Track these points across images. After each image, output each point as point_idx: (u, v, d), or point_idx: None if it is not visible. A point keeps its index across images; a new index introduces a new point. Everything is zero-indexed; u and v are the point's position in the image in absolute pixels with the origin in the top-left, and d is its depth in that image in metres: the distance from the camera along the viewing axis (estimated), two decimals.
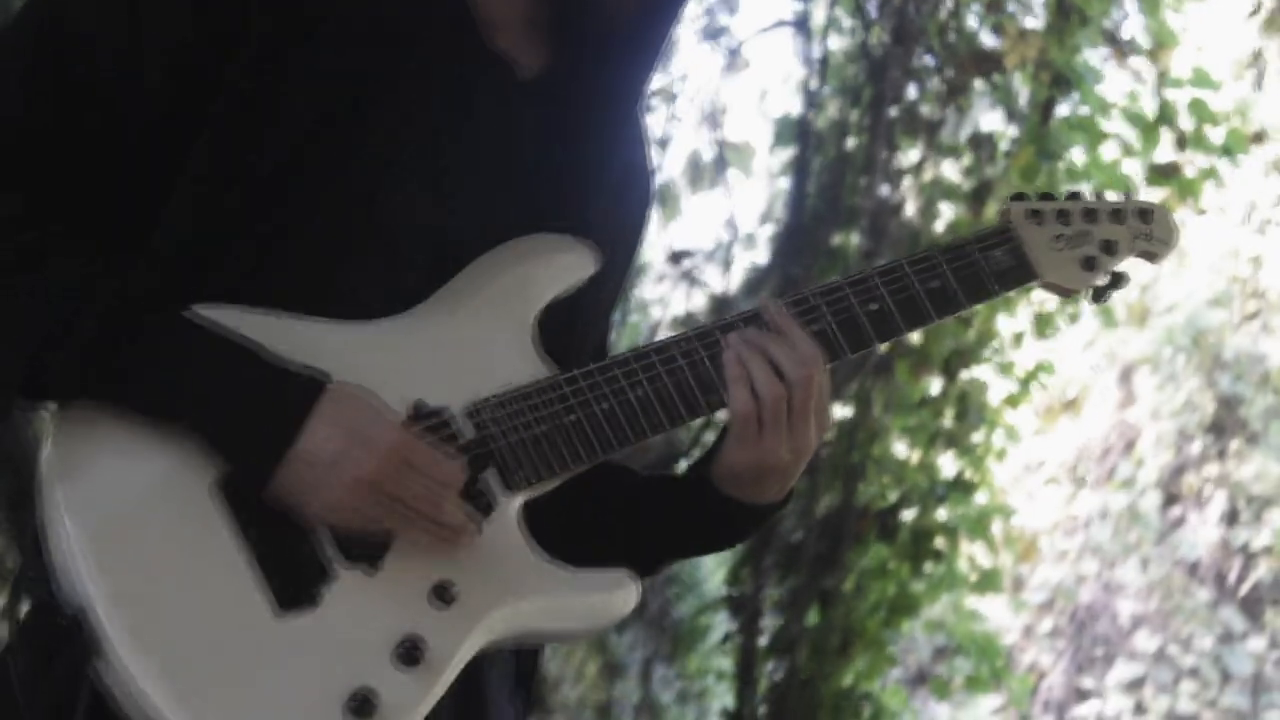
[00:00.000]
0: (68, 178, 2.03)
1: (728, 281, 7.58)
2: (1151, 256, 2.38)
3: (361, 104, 2.08)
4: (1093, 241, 2.33)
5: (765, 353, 2.15)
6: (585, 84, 2.25)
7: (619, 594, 2.13)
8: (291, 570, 1.98)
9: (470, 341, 2.13)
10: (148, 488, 1.98)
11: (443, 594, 2.02)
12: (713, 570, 9.39)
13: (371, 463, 1.98)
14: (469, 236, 2.15)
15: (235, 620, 1.95)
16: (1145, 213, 2.38)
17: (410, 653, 1.98)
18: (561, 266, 2.19)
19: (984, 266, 2.27)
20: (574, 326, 2.24)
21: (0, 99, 2.04)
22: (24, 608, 2.04)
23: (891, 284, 2.23)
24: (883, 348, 7.01)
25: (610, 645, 9.14)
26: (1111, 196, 2.39)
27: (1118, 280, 2.36)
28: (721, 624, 8.43)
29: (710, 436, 5.67)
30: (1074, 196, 2.36)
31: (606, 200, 2.28)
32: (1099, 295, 2.36)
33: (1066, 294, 2.34)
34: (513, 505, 2.09)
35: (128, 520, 1.96)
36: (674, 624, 8.98)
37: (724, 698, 8.77)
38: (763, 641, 7.54)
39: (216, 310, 2.01)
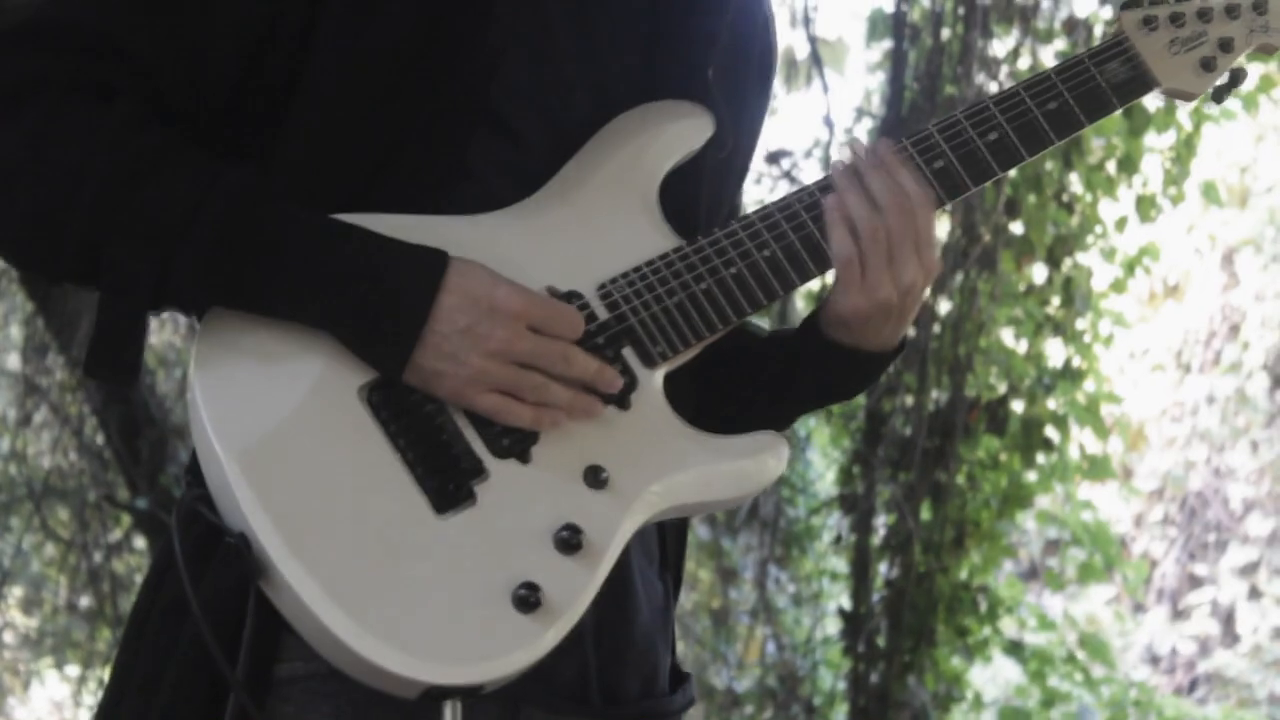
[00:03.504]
0: (177, 86, 2.02)
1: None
2: (1271, 49, 2.36)
3: None
4: (1209, 42, 2.30)
5: (861, 184, 2.12)
6: None
7: (771, 456, 2.11)
8: (445, 470, 1.97)
9: (594, 221, 2.11)
10: (295, 403, 1.96)
11: (595, 478, 2.01)
12: (823, 471, 9.41)
13: (499, 331, 1.97)
14: (586, 114, 2.14)
15: (398, 527, 1.94)
16: (1260, 4, 2.33)
17: (569, 540, 1.96)
18: (675, 133, 2.17)
19: (1101, 81, 2.24)
20: (700, 192, 2.21)
21: (112, 12, 2.02)
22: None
23: (1009, 111, 2.21)
24: (985, 238, 6.97)
25: (724, 550, 9.18)
26: None
27: (1236, 78, 2.33)
28: (834, 525, 8.46)
29: None
30: None
31: (726, 62, 2.25)
32: (1219, 95, 2.34)
33: (1188, 98, 2.31)
34: (654, 380, 2.08)
35: (279, 440, 1.94)
36: (787, 526, 9.00)
37: (839, 598, 8.80)
38: (876, 540, 7.54)
39: (347, 217, 1.99)
